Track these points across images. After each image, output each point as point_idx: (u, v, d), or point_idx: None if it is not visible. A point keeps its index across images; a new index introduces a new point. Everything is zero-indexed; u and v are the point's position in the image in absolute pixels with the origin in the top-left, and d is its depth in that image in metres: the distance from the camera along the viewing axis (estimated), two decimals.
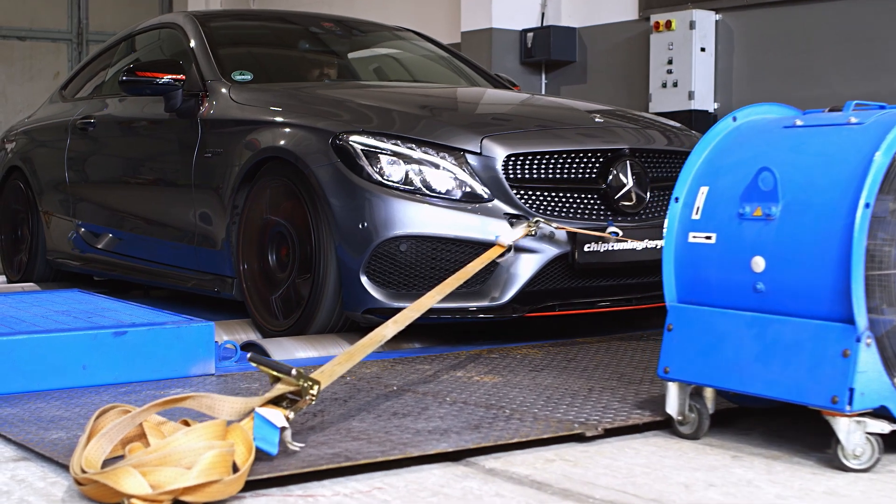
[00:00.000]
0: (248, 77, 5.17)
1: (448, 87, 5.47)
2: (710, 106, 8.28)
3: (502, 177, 4.14)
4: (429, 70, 5.96)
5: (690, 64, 8.18)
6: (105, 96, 6.08)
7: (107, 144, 5.76)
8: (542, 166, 4.21)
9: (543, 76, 9.69)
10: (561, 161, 4.24)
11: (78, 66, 6.66)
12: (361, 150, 4.16)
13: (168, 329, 3.57)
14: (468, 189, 4.11)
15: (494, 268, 4.09)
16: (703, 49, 8.22)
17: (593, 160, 4.30)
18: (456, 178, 4.12)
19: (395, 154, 4.14)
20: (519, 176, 4.17)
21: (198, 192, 4.90)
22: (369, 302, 4.08)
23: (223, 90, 4.99)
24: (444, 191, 4.10)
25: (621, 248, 4.24)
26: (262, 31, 5.88)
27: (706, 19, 8.23)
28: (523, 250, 4.09)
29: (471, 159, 4.14)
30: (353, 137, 4.20)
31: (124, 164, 5.59)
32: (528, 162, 4.19)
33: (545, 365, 3.80)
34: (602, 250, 4.20)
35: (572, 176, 4.26)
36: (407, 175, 4.12)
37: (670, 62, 8.32)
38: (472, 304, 4.08)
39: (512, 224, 4.07)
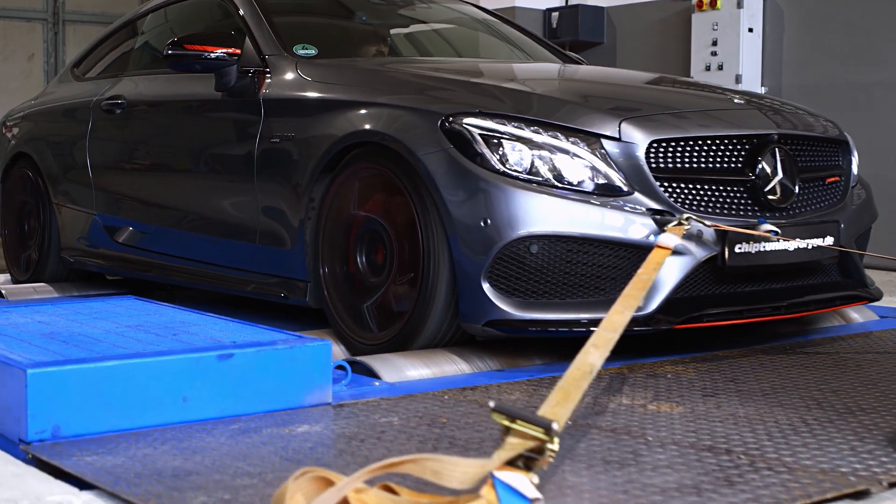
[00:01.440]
0: (313, 52, 4.54)
1: (545, 64, 4.87)
2: (759, 90, 7.74)
3: (645, 166, 3.55)
4: (499, 45, 5.36)
5: (738, 45, 7.66)
6: (135, 74, 5.40)
7: (141, 127, 5.09)
8: (688, 154, 3.64)
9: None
10: (706, 148, 3.67)
11: (92, 42, 5.97)
12: (479, 134, 3.56)
13: (280, 350, 2.95)
14: (605, 180, 3.53)
15: (636, 272, 3.51)
16: (750, 30, 7.69)
17: (739, 147, 3.74)
18: (591, 168, 3.53)
19: (518, 139, 3.55)
20: (662, 165, 3.60)
21: (261, 183, 4.27)
22: (492, 312, 3.49)
23: (289, 66, 4.35)
24: (577, 182, 3.52)
25: (773, 248, 3.68)
26: (317, 2, 5.23)
27: None
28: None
29: (608, 146, 3.56)
30: (468, 120, 3.59)
31: (163, 149, 4.92)
32: (672, 149, 3.61)
33: (712, 387, 3.23)
34: (753, 252, 3.64)
35: (717, 165, 3.69)
36: (533, 164, 3.53)
37: (715, 43, 7.79)
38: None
39: (657, 221, 3.49)
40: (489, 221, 3.46)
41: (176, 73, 4.84)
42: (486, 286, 3.48)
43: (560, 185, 3.50)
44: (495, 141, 3.54)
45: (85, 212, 5.46)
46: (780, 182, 3.75)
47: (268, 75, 4.39)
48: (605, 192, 3.51)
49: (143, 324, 3.37)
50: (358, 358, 3.50)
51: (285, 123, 4.19)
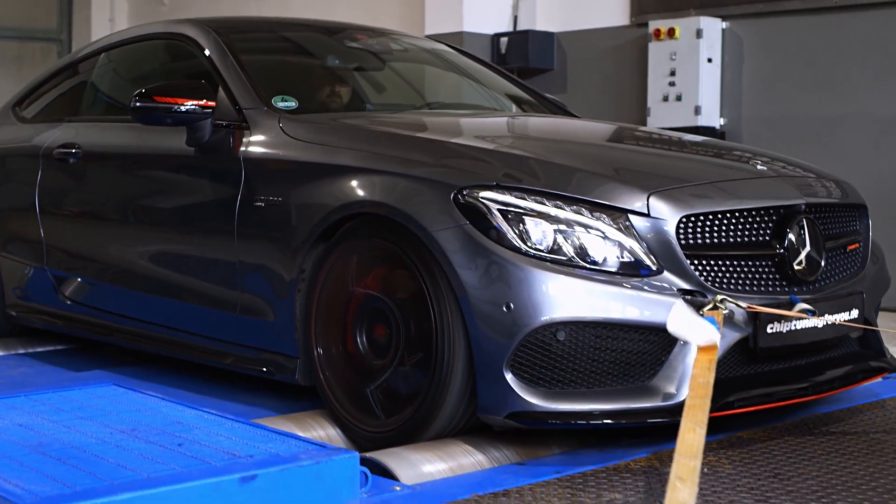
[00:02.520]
0: (293, 104, 4.23)
1: (547, 119, 4.61)
2: (717, 122, 7.61)
3: (675, 243, 3.32)
4: (479, 89, 5.09)
5: (697, 76, 7.50)
6: (89, 120, 5.02)
7: (101, 180, 4.72)
8: (717, 229, 3.42)
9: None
10: (734, 222, 3.46)
11: (35, 80, 5.56)
12: (498, 209, 3.30)
13: (306, 468, 2.66)
14: (633, 258, 3.29)
15: (665, 358, 3.29)
16: (709, 60, 7.54)
17: (766, 219, 3.53)
18: (619, 245, 3.29)
19: (539, 215, 3.29)
20: (692, 241, 3.37)
21: (243, 249, 3.95)
22: (514, 404, 3.23)
23: (271, 122, 4.04)
24: (603, 261, 3.27)
25: (804, 326, 3.48)
26: (290, 46, 4.91)
27: (712, 27, 7.55)
28: None
29: (635, 221, 3.32)
30: (485, 194, 3.33)
31: (128, 206, 4.56)
32: (702, 224, 3.39)
33: (757, 486, 3.01)
34: (785, 331, 3.44)
35: (745, 239, 3.48)
36: (556, 241, 3.27)
37: (673, 73, 7.63)
38: (641, 405, 3.26)
39: (688, 301, 3.26)
40: (512, 306, 3.20)
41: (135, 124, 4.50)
42: (508, 376, 3.22)
43: (586, 264, 3.25)
44: (515, 217, 3.28)
45: (33, 266, 5.07)
46: (807, 254, 3.56)
47: (246, 131, 4.07)
48: (633, 272, 3.28)
49: (136, 426, 3.04)
50: (370, 455, 3.21)
51: (270, 186, 3.89)
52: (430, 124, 4.14)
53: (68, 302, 4.87)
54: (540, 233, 3.27)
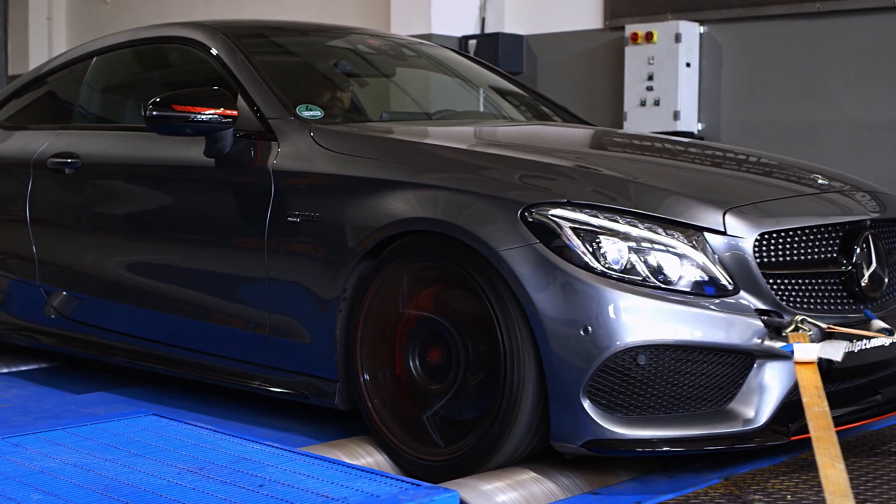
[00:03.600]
0: (318, 114, 4.04)
1: (587, 129, 4.46)
2: (695, 127, 7.55)
3: (752, 262, 3.20)
4: (497, 102, 4.93)
5: (676, 80, 7.43)
6: (88, 128, 4.75)
7: (103, 193, 4.46)
8: (791, 246, 3.31)
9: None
10: (807, 239, 3.35)
11: (14, 84, 5.26)
12: (571, 228, 3.14)
13: None
14: (708, 277, 3.16)
15: (742, 381, 3.17)
16: (688, 64, 7.48)
17: (835, 236, 3.43)
18: (695, 265, 3.16)
19: (613, 233, 3.15)
20: (767, 260, 3.25)
21: (274, 268, 3.75)
22: (591, 431, 3.08)
23: (300, 133, 3.84)
24: (679, 281, 3.14)
25: (873, 345, 3.39)
26: (305, 52, 4.70)
27: (690, 32, 7.49)
28: (771, 355, 3.17)
29: (711, 239, 3.19)
30: (556, 212, 3.17)
31: (135, 219, 4.32)
32: (778, 242, 3.28)
33: None
34: (856, 350, 3.33)
35: (816, 257, 3.38)
36: (629, 261, 3.13)
37: (651, 78, 7.55)
38: (721, 430, 3.13)
39: (765, 323, 3.15)
40: (590, 329, 3.05)
41: (149, 133, 4.27)
42: (585, 403, 3.07)
43: (663, 285, 3.12)
44: (588, 235, 3.13)
45: (21, 281, 4.79)
46: (872, 270, 3.47)
47: (273, 142, 3.87)
48: (710, 292, 3.15)
49: (202, 464, 2.83)
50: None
51: (306, 200, 3.69)
52: (476, 136, 3.97)
53: (64, 319, 4.60)
54: (616, 252, 3.13)
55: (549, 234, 3.14)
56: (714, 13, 7.43)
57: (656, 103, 7.51)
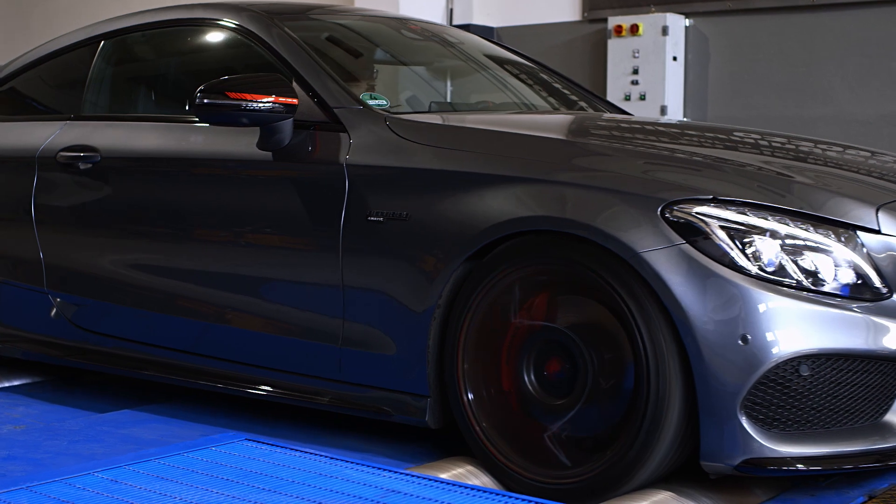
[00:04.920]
0: (385, 102, 3.69)
1: (670, 119, 4.18)
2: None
3: None
4: (532, 89, 4.63)
5: (663, 74, 7.23)
6: (107, 118, 4.29)
7: (131, 190, 4.02)
8: None
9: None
10: None
11: (8, 68, 4.77)
12: (720, 226, 2.87)
13: None
14: (862, 280, 2.92)
15: None
16: (674, 58, 7.29)
17: None
18: (850, 266, 2.91)
19: (764, 232, 2.88)
20: None
21: (351, 273, 3.40)
22: (748, 449, 2.81)
23: (375, 123, 3.50)
24: (835, 284, 2.89)
25: None
26: (348, 36, 4.32)
27: (675, 25, 7.30)
28: None
29: (865, 238, 2.94)
30: (701, 209, 2.90)
31: (173, 220, 3.89)
32: None
33: None
34: None
35: None
36: (780, 262, 2.87)
37: (636, 71, 7.33)
38: (885, 445, 2.89)
39: None
40: (749, 338, 2.78)
41: (186, 124, 3.88)
42: (742, 418, 2.80)
43: (819, 289, 2.86)
44: (737, 235, 2.86)
45: (25, 289, 4.33)
46: None
47: (342, 134, 3.51)
48: (866, 296, 2.91)
49: (331, 498, 2.48)
50: None
51: (391, 198, 3.34)
52: (575, 127, 3.67)
53: (80, 331, 4.17)
54: (771, 253, 2.86)
55: (696, 234, 2.87)
56: (701, 6, 7.25)
57: (642, 97, 7.30)
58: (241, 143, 3.69)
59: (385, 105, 3.67)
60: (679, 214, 2.89)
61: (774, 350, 2.78)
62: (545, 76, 4.68)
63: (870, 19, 6.68)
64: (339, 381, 3.48)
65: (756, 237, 2.86)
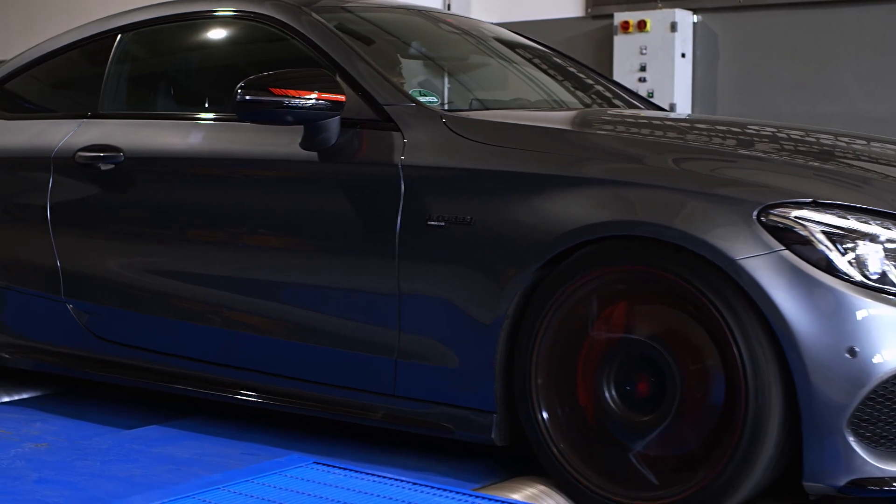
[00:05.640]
0: (434, 99, 3.50)
1: (726, 117, 3.99)
2: None
3: None
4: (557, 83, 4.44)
5: (671, 71, 7.08)
6: (128, 116, 4.05)
7: (159, 192, 3.78)
8: None
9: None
10: None
11: (10, 66, 4.51)
12: (821, 231, 2.69)
13: None
14: None
15: None
16: (683, 55, 7.13)
17: None
18: None
19: (865, 237, 2.71)
20: None
21: (409, 281, 3.19)
22: (856, 469, 2.65)
23: (430, 122, 3.29)
24: None
25: None
26: (385, 30, 4.11)
27: (683, 21, 7.14)
28: None
29: None
30: (800, 213, 2.72)
31: (207, 224, 3.66)
32: None
33: None
34: None
35: None
36: (883, 269, 2.70)
37: (643, 68, 7.17)
38: None
39: None
40: (857, 351, 2.61)
41: (219, 122, 3.66)
42: (849, 436, 2.63)
43: None
44: (841, 241, 2.69)
45: (40, 297, 4.09)
46: None
47: (394, 132, 3.31)
48: None
49: None
50: None
51: (453, 201, 3.14)
52: (643, 125, 3.48)
53: (102, 341, 3.93)
54: (874, 259, 2.69)
55: (796, 240, 2.69)
56: (708, 1, 7.10)
57: (650, 95, 7.14)
58: (282, 143, 3.47)
59: (436, 102, 3.47)
60: (777, 219, 2.71)
61: (884, 363, 2.61)
62: (575, 70, 4.50)
63: (884, 15, 6.56)
64: (392, 396, 3.28)
65: (858, 242, 2.69)
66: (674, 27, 7.04)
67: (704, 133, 3.40)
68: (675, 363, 2.81)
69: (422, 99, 3.44)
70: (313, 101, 3.29)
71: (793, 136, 3.41)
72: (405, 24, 4.15)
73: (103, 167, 3.89)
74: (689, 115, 3.98)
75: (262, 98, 3.29)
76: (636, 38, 7.18)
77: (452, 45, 4.20)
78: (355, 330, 3.31)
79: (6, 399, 4.34)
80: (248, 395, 3.57)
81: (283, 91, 3.28)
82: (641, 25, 7.13)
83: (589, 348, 2.95)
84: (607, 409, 2.92)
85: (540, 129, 3.26)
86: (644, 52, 7.14)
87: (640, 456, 2.86)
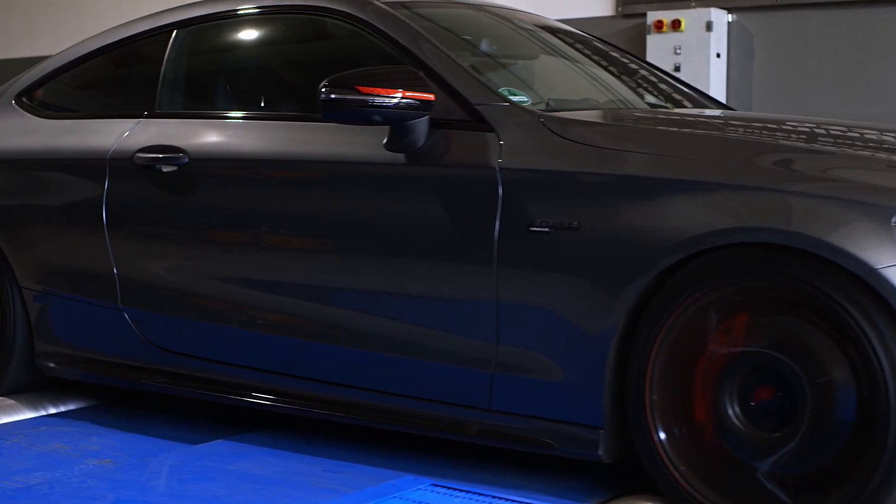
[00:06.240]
0: (525, 99, 3.34)
1: (816, 118, 3.84)
2: None
3: None
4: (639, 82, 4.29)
5: (707, 72, 6.94)
6: (191, 115, 3.86)
7: (229, 196, 3.60)
8: None
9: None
10: None
11: (52, 63, 4.31)
12: None
13: None
14: None
15: None
16: (718, 55, 6.99)
17: None
18: None
19: None
20: None
21: (509, 290, 3.03)
22: None
23: (530, 123, 3.13)
24: None
25: None
26: (464, 25, 3.94)
27: (718, 20, 7.01)
28: None
29: None
30: None
31: (284, 230, 3.48)
32: None
33: None
34: None
35: None
36: None
37: (677, 69, 7.02)
38: None
39: None
40: None
41: (293, 122, 3.50)
42: None
43: None
44: None
45: (95, 305, 3.91)
46: None
47: (488, 134, 3.15)
48: None
49: None
50: None
51: (557, 207, 2.98)
52: (746, 127, 3.33)
53: (163, 352, 3.75)
54: None
55: None
56: (743, 1, 6.96)
57: None
58: (364, 144, 3.31)
59: (527, 102, 3.31)
60: None
61: None
62: (643, 70, 4.35)
63: None
64: (486, 410, 3.12)
65: None
66: (709, 26, 6.89)
67: (807, 134, 3.24)
68: (805, 376, 2.67)
69: (514, 98, 3.28)
70: (401, 100, 3.13)
71: (886, 137, 3.25)
72: (469, 19, 3.99)
73: (165, 169, 3.71)
74: (775, 115, 3.83)
75: (349, 97, 3.13)
76: (670, 38, 7.03)
77: (520, 42, 4.04)
78: (445, 340, 3.15)
79: (53, 410, 4.16)
80: (325, 409, 3.40)
81: (370, 89, 3.12)
82: (676, 25, 6.98)
83: (707, 361, 2.80)
84: (731, 426, 2.77)
85: (650, 130, 3.11)
86: (678, 51, 7.00)
87: (769, 476, 2.70)
